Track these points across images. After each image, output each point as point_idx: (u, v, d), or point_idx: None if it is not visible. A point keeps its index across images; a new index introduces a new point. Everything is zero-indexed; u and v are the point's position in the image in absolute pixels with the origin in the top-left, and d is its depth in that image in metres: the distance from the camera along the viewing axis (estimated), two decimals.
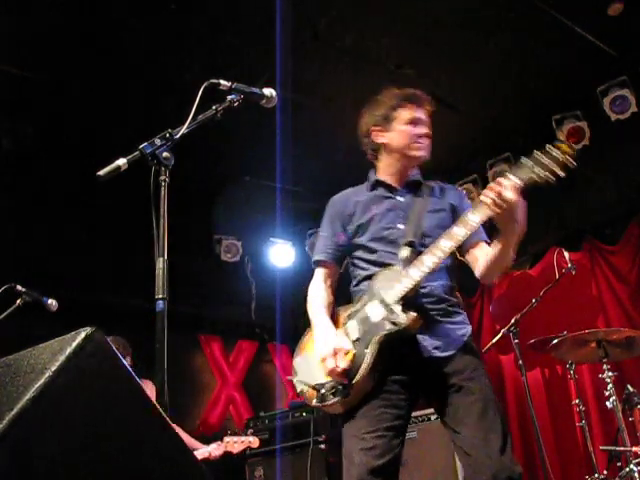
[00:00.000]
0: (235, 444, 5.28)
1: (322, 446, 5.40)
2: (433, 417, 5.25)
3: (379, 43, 5.00)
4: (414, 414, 5.38)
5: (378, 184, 3.07)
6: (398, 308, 2.70)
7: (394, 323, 2.69)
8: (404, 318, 2.68)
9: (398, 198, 3.00)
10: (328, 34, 4.90)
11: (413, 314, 2.68)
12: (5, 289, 3.99)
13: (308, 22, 4.76)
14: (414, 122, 2.97)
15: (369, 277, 2.91)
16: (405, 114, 2.98)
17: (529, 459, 6.30)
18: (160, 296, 2.11)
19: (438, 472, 5.04)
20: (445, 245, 2.68)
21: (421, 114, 3.00)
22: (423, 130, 2.98)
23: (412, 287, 2.70)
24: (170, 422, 1.57)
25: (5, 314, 4.01)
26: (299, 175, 6.43)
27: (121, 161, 2.16)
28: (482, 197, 2.54)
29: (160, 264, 2.13)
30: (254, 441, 5.42)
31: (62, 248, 6.12)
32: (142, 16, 4.53)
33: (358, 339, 2.78)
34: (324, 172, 6.33)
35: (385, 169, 3.06)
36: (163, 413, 1.55)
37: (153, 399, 4.96)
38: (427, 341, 2.74)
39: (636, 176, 6.10)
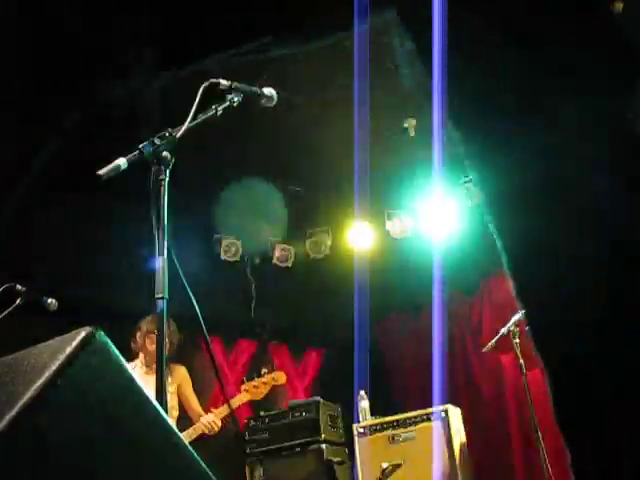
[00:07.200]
0: (257, 388, 4.65)
1: (322, 446, 5.39)
2: (433, 417, 5.26)
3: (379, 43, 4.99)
4: (412, 414, 5.41)
5: None
6: None
7: None
8: None
9: None
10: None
11: None
12: (5, 288, 3.97)
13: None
14: None
15: None
16: None
17: (529, 459, 6.30)
18: (160, 295, 2.11)
19: (438, 473, 5.03)
20: None
21: None
22: None
23: None
24: (171, 422, 1.57)
25: (4, 313, 4.00)
26: (299, 174, 6.43)
27: (121, 161, 2.16)
28: None
29: (160, 263, 2.13)
30: (278, 376, 4.79)
31: (63, 247, 6.11)
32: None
33: None
34: (324, 172, 6.34)
35: None
36: (164, 413, 1.54)
37: (188, 385, 4.65)
38: None
39: None
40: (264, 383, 4.72)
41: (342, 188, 6.49)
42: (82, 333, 1.43)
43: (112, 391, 1.44)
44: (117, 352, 1.48)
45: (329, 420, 5.61)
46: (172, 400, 4.68)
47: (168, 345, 4.57)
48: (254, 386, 4.69)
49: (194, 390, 4.94)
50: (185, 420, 4.86)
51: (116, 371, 1.47)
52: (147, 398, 1.50)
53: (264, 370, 4.86)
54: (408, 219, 6.96)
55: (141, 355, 4.80)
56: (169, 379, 4.62)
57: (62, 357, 1.38)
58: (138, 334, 4.81)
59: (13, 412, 1.32)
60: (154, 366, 4.64)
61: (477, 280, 7.09)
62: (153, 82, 4.86)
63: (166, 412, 1.62)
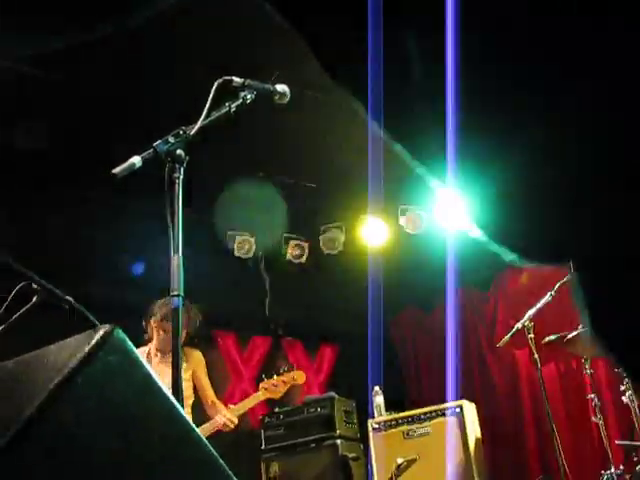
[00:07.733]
0: (276, 387, 4.58)
1: (337, 441, 5.39)
2: (447, 412, 5.25)
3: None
4: (427, 409, 5.40)
5: None
6: None
7: None
8: None
9: None
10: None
11: None
12: (21, 287, 3.98)
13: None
14: None
15: None
16: None
17: (544, 454, 6.28)
18: (175, 293, 2.13)
19: (453, 468, 5.03)
20: None
21: None
22: None
23: None
24: (188, 419, 1.58)
25: (21, 311, 4.00)
26: (312, 170, 6.43)
27: (135, 159, 2.18)
28: None
29: (175, 261, 2.14)
30: (297, 375, 4.68)
31: (67, 246, 6.13)
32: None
33: None
34: (337, 167, 6.33)
35: None
36: (181, 409, 1.55)
37: (203, 370, 4.42)
38: None
39: None
40: (284, 382, 4.67)
41: (355, 184, 6.48)
42: (100, 331, 1.44)
43: (130, 388, 1.45)
44: (135, 350, 1.49)
45: (344, 416, 5.61)
46: (188, 389, 4.53)
47: (185, 333, 4.44)
48: (273, 384, 4.64)
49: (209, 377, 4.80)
50: (200, 407, 4.73)
51: (134, 368, 1.48)
52: (164, 395, 1.51)
53: (284, 368, 4.80)
54: (422, 214, 6.95)
55: (154, 341, 4.60)
56: (184, 365, 4.47)
57: (81, 355, 1.39)
58: (152, 319, 4.58)
59: (32, 410, 1.33)
60: (168, 353, 4.15)
61: (491, 275, 7.07)
62: None
63: (182, 406, 1.63)
